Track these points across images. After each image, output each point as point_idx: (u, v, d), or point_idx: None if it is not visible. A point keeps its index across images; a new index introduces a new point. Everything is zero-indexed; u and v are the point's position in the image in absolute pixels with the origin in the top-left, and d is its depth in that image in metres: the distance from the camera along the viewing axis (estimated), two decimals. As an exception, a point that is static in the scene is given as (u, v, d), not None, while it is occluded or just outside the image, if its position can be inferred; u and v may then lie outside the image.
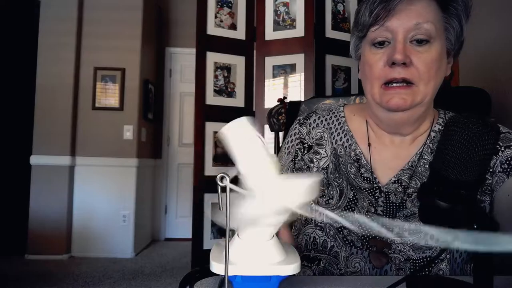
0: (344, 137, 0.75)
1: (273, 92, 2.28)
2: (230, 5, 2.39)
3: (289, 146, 0.80)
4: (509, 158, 0.64)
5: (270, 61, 2.30)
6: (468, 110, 0.89)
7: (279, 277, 0.40)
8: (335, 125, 0.77)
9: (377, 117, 0.70)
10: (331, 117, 0.78)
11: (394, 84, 0.62)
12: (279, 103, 1.37)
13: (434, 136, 0.71)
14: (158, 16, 4.05)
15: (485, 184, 0.65)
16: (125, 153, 3.38)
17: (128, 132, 3.40)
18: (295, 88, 2.25)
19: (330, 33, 2.33)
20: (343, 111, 0.78)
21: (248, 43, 2.41)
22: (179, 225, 4.09)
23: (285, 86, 2.28)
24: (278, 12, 2.31)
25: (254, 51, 2.38)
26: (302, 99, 1.81)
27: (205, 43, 2.33)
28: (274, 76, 2.30)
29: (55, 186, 3.22)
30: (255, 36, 2.35)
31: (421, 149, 0.69)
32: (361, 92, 0.75)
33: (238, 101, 2.40)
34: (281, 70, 2.29)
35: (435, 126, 0.71)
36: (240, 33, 2.41)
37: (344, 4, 2.39)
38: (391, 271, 0.64)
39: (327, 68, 2.32)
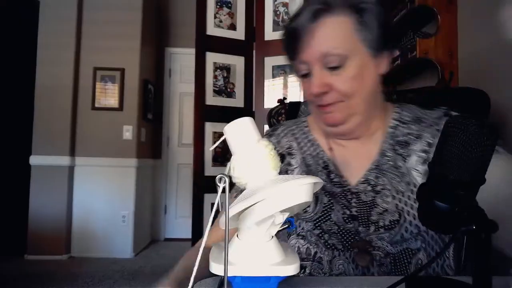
0: (311, 146, 0.77)
1: (272, 92, 2.28)
2: (229, 5, 2.39)
3: None
4: None
5: (270, 61, 2.31)
6: (467, 111, 0.89)
7: (278, 278, 0.40)
8: (301, 134, 0.80)
9: (325, 130, 0.74)
10: (296, 127, 0.81)
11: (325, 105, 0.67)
12: (279, 103, 1.37)
13: (393, 132, 0.72)
14: (158, 16, 4.05)
15: None
16: (124, 153, 3.38)
17: (128, 132, 3.40)
18: (295, 88, 2.26)
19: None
20: (306, 121, 0.81)
21: (248, 43, 2.41)
22: (178, 225, 4.09)
23: (284, 86, 2.28)
24: (278, 12, 2.32)
25: (254, 51, 2.38)
26: (302, 100, 1.81)
27: (205, 43, 2.33)
28: (273, 76, 2.30)
29: (55, 186, 3.22)
30: (254, 36, 2.35)
31: (382, 147, 0.71)
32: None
33: (238, 101, 2.40)
34: (281, 70, 2.29)
35: (391, 123, 0.73)
36: (239, 33, 2.41)
37: (344, 4, 2.39)
38: (373, 267, 0.65)
39: (327, 68, 2.32)
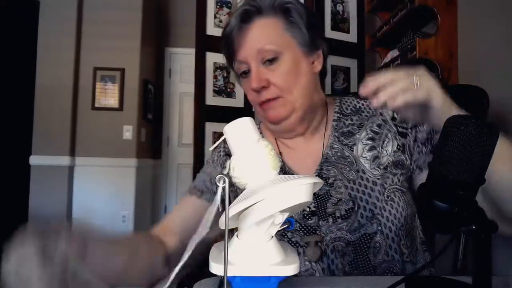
0: None
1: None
2: (229, 5, 2.39)
3: (214, 160, 0.83)
4: (427, 139, 0.71)
5: (270, 61, 2.30)
6: (466, 108, 0.90)
7: (278, 278, 0.40)
8: None
9: (272, 129, 0.78)
10: None
11: (266, 101, 0.71)
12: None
13: (336, 125, 0.77)
14: (158, 16, 4.05)
15: (402, 163, 0.72)
16: (124, 153, 3.38)
17: (128, 132, 3.40)
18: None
19: (329, 33, 2.32)
20: (260, 128, 0.84)
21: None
22: (178, 225, 4.09)
23: (284, 86, 2.28)
24: (278, 12, 2.31)
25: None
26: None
27: (205, 43, 2.33)
28: (273, 76, 2.30)
29: (55, 187, 3.22)
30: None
31: (329, 140, 0.75)
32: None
33: (238, 101, 2.40)
34: (281, 70, 2.28)
35: (334, 116, 0.78)
36: (239, 33, 2.40)
37: (344, 4, 2.39)
38: (336, 258, 0.68)
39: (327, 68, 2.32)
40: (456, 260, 0.38)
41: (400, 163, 0.72)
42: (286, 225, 0.45)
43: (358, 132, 0.75)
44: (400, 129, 0.73)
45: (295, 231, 0.70)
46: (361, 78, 2.45)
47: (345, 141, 0.75)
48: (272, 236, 0.43)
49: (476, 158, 0.38)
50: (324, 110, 0.78)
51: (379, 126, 0.74)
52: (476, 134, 0.37)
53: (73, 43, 3.33)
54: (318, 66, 0.76)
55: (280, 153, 0.78)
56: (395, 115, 0.75)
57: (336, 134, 0.76)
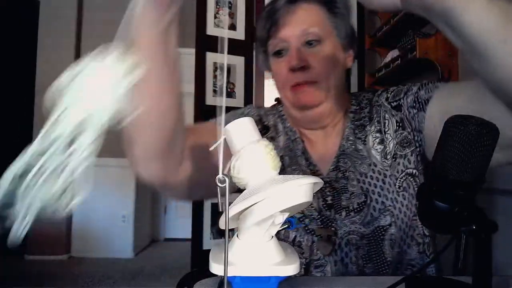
0: (290, 131, 0.80)
1: (272, 92, 2.28)
2: (229, 5, 2.39)
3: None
4: (414, 100, 0.70)
5: (270, 61, 2.30)
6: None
7: (278, 278, 0.40)
8: (280, 120, 0.82)
9: (296, 118, 0.77)
10: (276, 111, 0.85)
11: (301, 84, 0.70)
12: (276, 102, 1.37)
13: (353, 117, 0.77)
14: (158, 16, 4.05)
15: (406, 139, 0.71)
16: (124, 153, 3.38)
17: (128, 132, 3.40)
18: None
19: (330, 33, 2.32)
20: (282, 110, 0.84)
21: (248, 43, 2.41)
22: (178, 225, 4.09)
23: (284, 86, 2.28)
24: (278, 12, 2.31)
25: (254, 51, 2.38)
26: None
27: (205, 43, 2.33)
28: (273, 76, 2.30)
29: (55, 186, 3.22)
30: (254, 36, 2.35)
31: (345, 133, 0.75)
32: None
33: (238, 101, 2.40)
34: (281, 70, 2.28)
35: (350, 108, 0.78)
36: (239, 34, 2.40)
37: (344, 4, 2.39)
38: (350, 252, 0.68)
39: (327, 68, 2.32)
40: (456, 260, 0.38)
41: (405, 140, 0.72)
42: (286, 225, 0.45)
43: (369, 124, 0.75)
44: (394, 104, 0.74)
45: (313, 219, 0.70)
46: (361, 78, 2.45)
47: (358, 134, 0.75)
48: (272, 236, 0.43)
49: (476, 158, 0.38)
50: (345, 105, 0.79)
51: (377, 112, 0.75)
52: (476, 134, 0.37)
53: (73, 43, 3.33)
54: (349, 63, 0.77)
55: (302, 141, 0.78)
56: (388, 95, 0.75)
57: (352, 126, 0.76)
